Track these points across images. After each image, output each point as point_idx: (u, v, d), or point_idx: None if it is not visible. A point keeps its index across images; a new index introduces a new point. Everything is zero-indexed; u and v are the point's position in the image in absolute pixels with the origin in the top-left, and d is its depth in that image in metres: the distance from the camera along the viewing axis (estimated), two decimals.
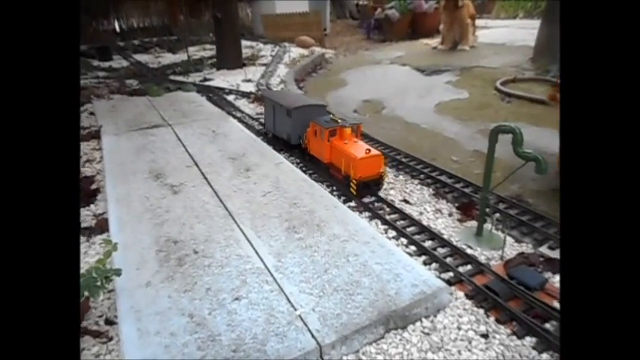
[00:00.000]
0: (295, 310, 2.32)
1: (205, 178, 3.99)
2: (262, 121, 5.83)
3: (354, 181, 3.80)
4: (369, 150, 3.80)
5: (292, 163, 4.47)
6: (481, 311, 2.52)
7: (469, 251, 3.12)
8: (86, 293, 2.35)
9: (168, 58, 12.40)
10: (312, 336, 2.15)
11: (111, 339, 2.38)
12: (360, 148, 3.84)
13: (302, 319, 2.25)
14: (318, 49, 12.31)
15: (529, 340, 2.32)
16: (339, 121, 4.15)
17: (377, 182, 3.92)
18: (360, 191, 3.84)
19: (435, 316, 2.47)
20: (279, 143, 5.13)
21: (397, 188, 4.16)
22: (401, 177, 4.41)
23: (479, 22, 12.25)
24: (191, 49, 12.55)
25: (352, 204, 3.82)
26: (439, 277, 2.72)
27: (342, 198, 3.90)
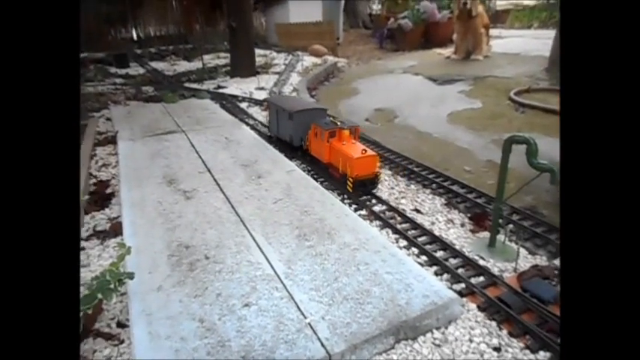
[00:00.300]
0: (305, 317, 2.31)
1: (217, 185, 4.02)
2: None
3: (350, 179, 3.98)
4: (365, 150, 4.00)
5: (304, 171, 4.49)
6: (493, 324, 2.48)
7: (482, 262, 3.08)
8: (100, 296, 2.38)
9: (183, 65, 12.65)
10: (322, 344, 2.14)
11: (122, 342, 2.41)
12: (356, 149, 4.05)
13: (312, 327, 2.24)
14: (330, 58, 12.41)
15: (543, 355, 2.27)
16: (339, 123, 4.37)
17: (372, 181, 4.12)
18: (356, 189, 4.04)
19: (447, 327, 2.43)
20: (282, 145, 5.32)
21: (409, 197, 4.14)
22: (412, 186, 4.39)
23: (493, 31, 12.21)
24: (206, 57, 12.79)
25: (363, 212, 3.82)
26: (451, 288, 2.68)
27: (354, 207, 3.90)
